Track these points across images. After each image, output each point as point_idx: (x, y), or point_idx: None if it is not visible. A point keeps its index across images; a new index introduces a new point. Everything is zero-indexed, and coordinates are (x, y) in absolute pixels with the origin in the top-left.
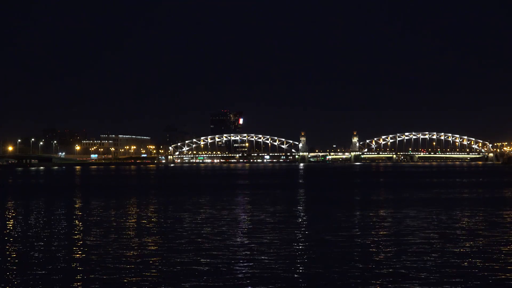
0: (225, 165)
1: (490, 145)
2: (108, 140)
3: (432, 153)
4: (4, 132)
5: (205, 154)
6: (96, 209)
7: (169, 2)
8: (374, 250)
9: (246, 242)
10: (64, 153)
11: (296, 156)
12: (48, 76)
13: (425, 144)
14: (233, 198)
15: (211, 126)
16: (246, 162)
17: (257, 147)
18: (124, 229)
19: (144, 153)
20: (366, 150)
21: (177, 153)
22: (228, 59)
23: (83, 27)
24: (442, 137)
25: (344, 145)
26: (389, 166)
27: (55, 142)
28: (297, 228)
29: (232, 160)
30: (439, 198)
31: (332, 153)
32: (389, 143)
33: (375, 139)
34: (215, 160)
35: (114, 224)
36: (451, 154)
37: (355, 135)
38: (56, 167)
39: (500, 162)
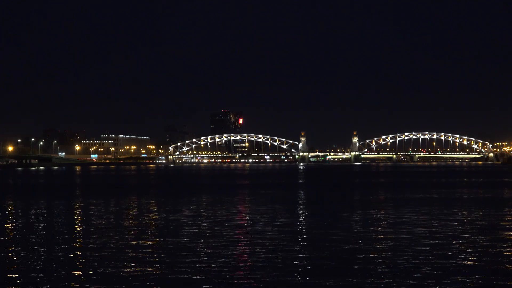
0: (225, 165)
1: (490, 145)
2: (108, 140)
3: (432, 153)
4: (4, 132)
5: (205, 154)
6: (96, 209)
7: (169, 3)
8: (374, 250)
9: (245, 241)
10: (64, 153)
11: (296, 156)
12: (49, 76)
13: (425, 144)
14: (233, 198)
15: (211, 126)
16: (246, 162)
17: (257, 147)
18: (124, 229)
19: (144, 153)
20: (366, 150)
21: (177, 153)
22: (229, 59)
23: (83, 27)
24: (442, 137)
25: (344, 145)
26: (389, 166)
27: (55, 142)
28: (297, 228)
29: (219, 160)
30: (439, 198)
31: (332, 153)
32: (389, 143)
33: (375, 139)
34: (204, 160)
35: (114, 224)
36: (451, 154)
37: (355, 135)
38: (56, 167)
39: (500, 162)
